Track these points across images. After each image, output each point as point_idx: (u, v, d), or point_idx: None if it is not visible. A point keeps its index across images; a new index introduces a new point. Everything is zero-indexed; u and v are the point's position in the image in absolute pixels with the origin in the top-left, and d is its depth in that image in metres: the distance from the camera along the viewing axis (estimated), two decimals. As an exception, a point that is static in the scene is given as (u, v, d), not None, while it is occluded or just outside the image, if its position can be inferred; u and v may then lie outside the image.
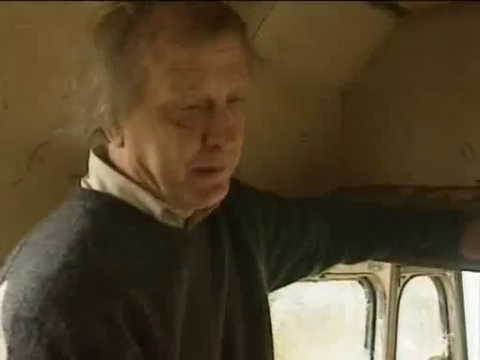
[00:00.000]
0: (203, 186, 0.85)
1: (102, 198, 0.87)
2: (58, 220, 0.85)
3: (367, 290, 2.08)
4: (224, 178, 0.87)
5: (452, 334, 2.48)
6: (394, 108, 1.55)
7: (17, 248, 0.83)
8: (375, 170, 1.60)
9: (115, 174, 0.88)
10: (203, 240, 0.98)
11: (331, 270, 1.43)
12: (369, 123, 1.61)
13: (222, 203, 0.92)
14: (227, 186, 0.88)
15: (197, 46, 0.78)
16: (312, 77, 1.56)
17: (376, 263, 1.93)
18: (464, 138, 1.42)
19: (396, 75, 1.55)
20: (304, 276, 1.26)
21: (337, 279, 2.01)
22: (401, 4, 1.47)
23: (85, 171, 0.92)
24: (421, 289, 2.63)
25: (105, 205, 0.86)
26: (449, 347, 2.49)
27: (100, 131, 0.86)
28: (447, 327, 2.47)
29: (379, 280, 2.05)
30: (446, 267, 2.08)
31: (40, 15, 1.04)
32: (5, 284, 0.78)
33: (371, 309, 2.09)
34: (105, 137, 0.87)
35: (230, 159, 0.87)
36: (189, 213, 0.92)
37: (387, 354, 2.10)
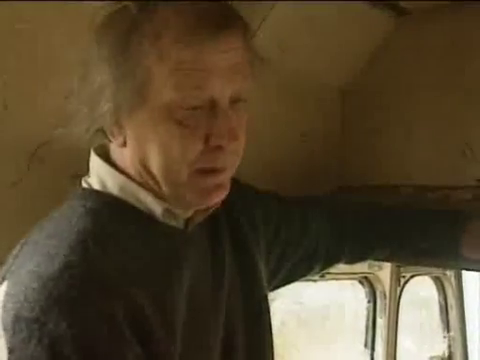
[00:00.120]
0: (205, 186, 0.85)
1: (103, 198, 0.87)
2: (59, 220, 0.85)
3: (367, 290, 2.08)
4: (226, 178, 0.87)
5: (452, 334, 2.48)
6: (394, 108, 1.55)
7: (18, 248, 0.83)
8: (375, 170, 1.60)
9: (116, 174, 0.87)
10: (203, 240, 0.98)
11: (331, 270, 1.43)
12: (369, 123, 1.61)
13: (222, 203, 0.92)
14: (228, 186, 0.88)
15: (201, 46, 0.78)
16: (312, 77, 1.56)
17: (376, 263, 1.94)
18: (464, 138, 1.42)
19: (396, 75, 1.55)
20: (304, 276, 1.26)
21: (337, 279, 2.01)
22: (401, 4, 1.47)
23: (85, 171, 0.91)
24: (421, 289, 2.64)
25: (106, 205, 0.86)
26: (449, 347, 2.49)
27: (101, 131, 0.86)
28: (447, 327, 2.47)
29: (379, 280, 2.05)
30: (446, 267, 2.08)
31: (40, 15, 1.04)
32: (6, 284, 0.78)
33: (371, 309, 2.09)
34: (106, 137, 0.87)
35: (232, 159, 0.87)
36: (190, 213, 0.92)
37: (387, 354, 2.10)
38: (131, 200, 0.87)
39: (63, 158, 1.08)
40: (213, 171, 0.85)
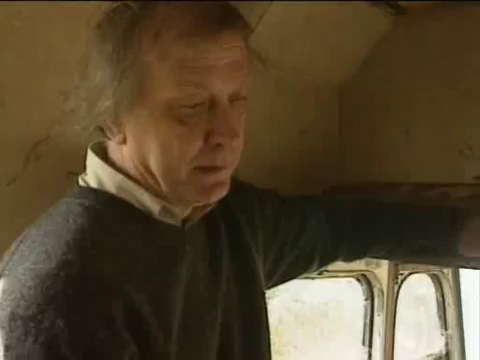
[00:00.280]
0: (205, 184, 0.85)
1: (100, 196, 0.87)
2: (56, 218, 0.84)
3: (365, 287, 2.08)
4: (226, 176, 0.87)
5: (450, 331, 2.49)
6: (392, 106, 1.55)
7: (15, 245, 0.83)
8: (373, 168, 1.60)
9: (113, 172, 0.87)
10: (201, 238, 0.98)
11: (329, 267, 1.43)
12: (367, 121, 1.61)
13: (221, 201, 0.92)
14: (228, 184, 0.88)
15: (201, 44, 0.78)
16: (310, 75, 1.56)
17: (374, 260, 1.94)
18: (462, 135, 1.42)
19: (395, 73, 1.55)
20: (302, 273, 1.26)
21: (335, 276, 2.01)
22: (400, 3, 1.47)
23: (82, 169, 0.91)
24: (419, 286, 2.64)
25: (103, 203, 0.86)
26: (447, 344, 2.50)
27: (98, 129, 0.86)
28: (445, 324, 2.48)
29: (377, 277, 2.06)
30: (445, 265, 2.08)
31: (38, 13, 1.04)
32: (2, 281, 0.78)
33: (369, 306, 2.09)
34: (104, 135, 0.86)
35: (232, 157, 0.87)
36: (187, 212, 0.92)
37: (385, 351, 2.10)
38: (128, 198, 0.87)
39: (60, 156, 1.08)
40: (213, 169, 0.85)
